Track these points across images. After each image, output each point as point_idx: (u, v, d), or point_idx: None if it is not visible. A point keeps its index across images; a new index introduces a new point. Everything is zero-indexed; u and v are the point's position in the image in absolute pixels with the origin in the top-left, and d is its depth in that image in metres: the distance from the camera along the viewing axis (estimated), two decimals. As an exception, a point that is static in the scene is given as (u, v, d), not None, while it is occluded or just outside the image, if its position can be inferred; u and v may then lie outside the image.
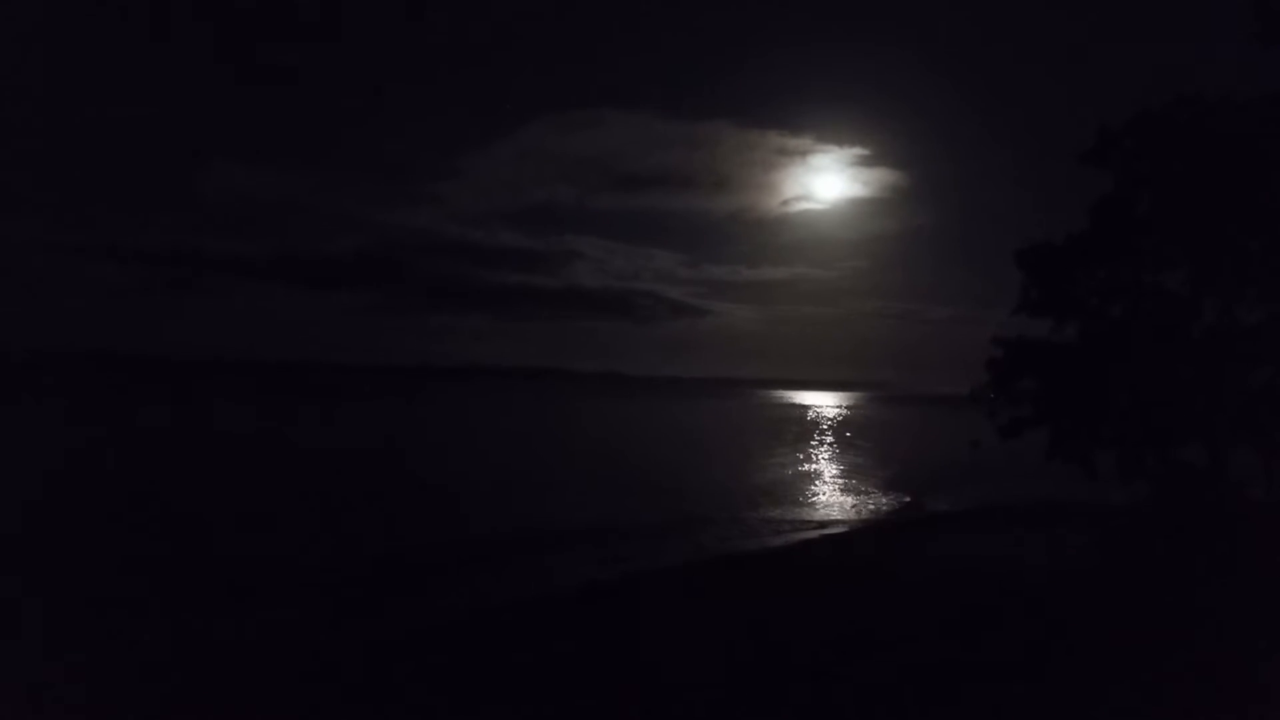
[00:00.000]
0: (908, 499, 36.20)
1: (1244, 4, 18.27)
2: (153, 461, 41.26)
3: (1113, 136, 20.84)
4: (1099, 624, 13.61)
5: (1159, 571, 17.18)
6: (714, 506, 31.97)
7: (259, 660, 13.62)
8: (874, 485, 41.59)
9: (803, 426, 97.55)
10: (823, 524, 29.69)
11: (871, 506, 34.60)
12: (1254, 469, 18.97)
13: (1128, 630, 13.05)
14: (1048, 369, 21.39)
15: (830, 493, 38.77)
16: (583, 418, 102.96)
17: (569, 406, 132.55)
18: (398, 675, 12.22)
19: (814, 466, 50.44)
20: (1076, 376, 20.66)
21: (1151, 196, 20.60)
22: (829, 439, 75.98)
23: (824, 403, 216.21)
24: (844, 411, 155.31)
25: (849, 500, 36.37)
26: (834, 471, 48.01)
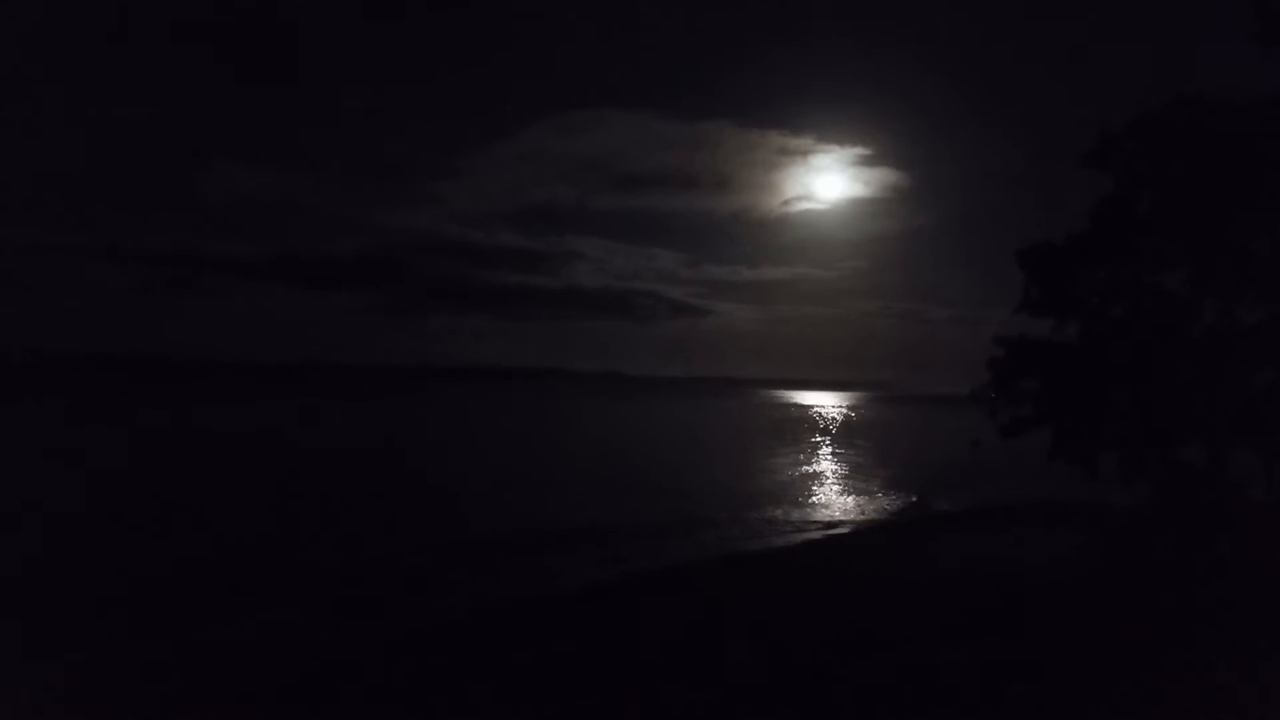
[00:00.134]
0: (909, 499, 36.19)
1: (1244, 4, 18.26)
2: (152, 462, 41.28)
3: (1113, 137, 20.83)
4: (1100, 624, 13.60)
5: (1160, 572, 17.17)
6: (715, 506, 31.97)
7: (258, 661, 13.62)
8: (875, 485, 41.59)
9: (803, 427, 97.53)
10: (823, 524, 29.69)
11: (872, 507, 34.58)
12: (1255, 469, 18.95)
13: (1128, 630, 13.04)
14: (1049, 369, 21.37)
15: (831, 493, 38.77)
16: (583, 418, 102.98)
17: (569, 407, 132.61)
18: (398, 675, 12.22)
19: (815, 467, 50.43)
20: (1077, 376, 20.64)
21: (1152, 197, 20.58)
22: (830, 439, 75.97)
23: (825, 403, 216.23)
24: (845, 411, 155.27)
25: (850, 500, 36.37)
26: (835, 471, 48.01)
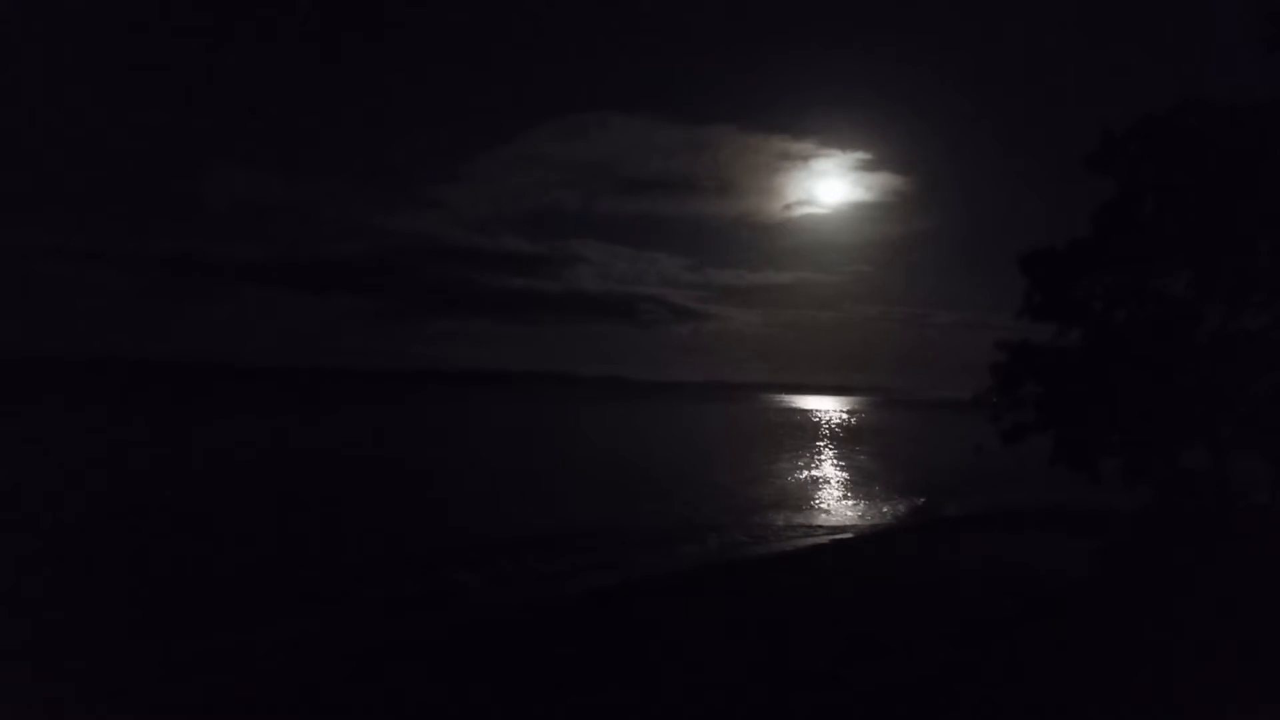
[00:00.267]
0: (912, 504, 36.12)
1: (1252, 8, 18.24)
2: (156, 467, 41.30)
3: (1116, 141, 20.81)
4: (1104, 629, 13.57)
5: (1163, 577, 17.12)
6: (718, 511, 31.94)
7: (258, 663, 13.63)
8: (877, 490, 41.50)
9: (806, 431, 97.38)
10: (826, 529, 29.64)
11: (875, 511, 34.51)
12: (1259, 474, 18.90)
13: (1132, 634, 13.01)
14: (1051, 374, 21.33)
15: (835, 498, 38.69)
16: (586, 422, 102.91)
17: (572, 411, 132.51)
18: (400, 680, 12.22)
19: (817, 471, 50.34)
20: (1080, 381, 20.60)
21: (1155, 201, 20.56)
22: (832, 444, 75.83)
23: (827, 407, 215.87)
24: (847, 416, 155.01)
25: (854, 505, 36.30)
26: (838, 476, 47.92)
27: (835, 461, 57.47)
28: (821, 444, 75.17)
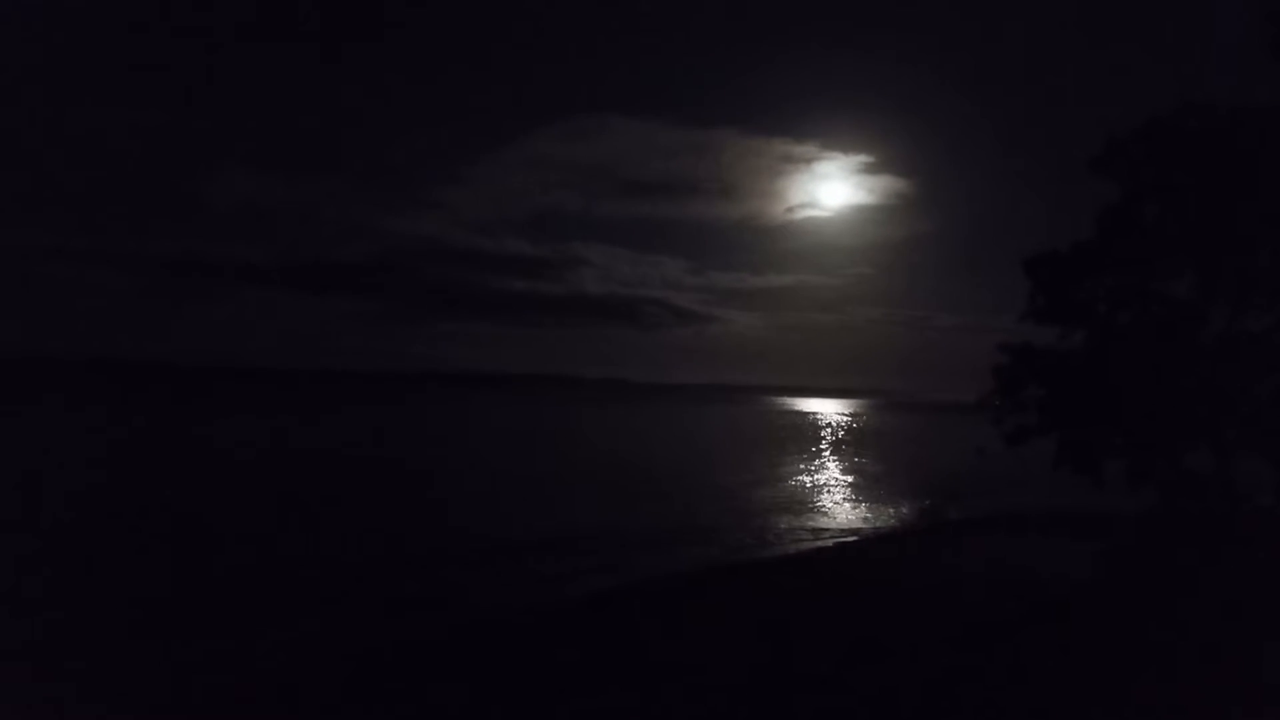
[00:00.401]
0: (915, 507, 36.06)
1: (1252, 9, 18.23)
2: (158, 468, 41.32)
3: (1120, 144, 20.79)
4: (1108, 632, 13.50)
5: (1167, 579, 17.05)
6: (721, 514, 31.89)
7: (259, 669, 13.60)
8: (880, 493, 41.43)
9: (809, 434, 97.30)
10: (832, 532, 29.57)
11: (877, 514, 34.43)
12: (1263, 477, 18.84)
13: (1135, 637, 12.94)
14: (1054, 376, 21.28)
15: (838, 501, 38.62)
16: (587, 424, 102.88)
17: (574, 413, 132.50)
18: (400, 681, 12.19)
19: (820, 475, 50.27)
20: (1083, 384, 20.55)
21: (1159, 204, 20.53)
22: (835, 447, 75.75)
23: (829, 410, 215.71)
24: (850, 419, 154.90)
25: (858, 508, 36.22)
26: (840, 479, 47.84)
27: (837, 464, 57.40)
28: (823, 447, 75.10)
